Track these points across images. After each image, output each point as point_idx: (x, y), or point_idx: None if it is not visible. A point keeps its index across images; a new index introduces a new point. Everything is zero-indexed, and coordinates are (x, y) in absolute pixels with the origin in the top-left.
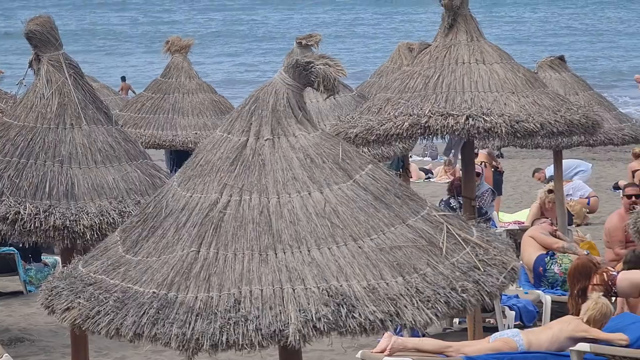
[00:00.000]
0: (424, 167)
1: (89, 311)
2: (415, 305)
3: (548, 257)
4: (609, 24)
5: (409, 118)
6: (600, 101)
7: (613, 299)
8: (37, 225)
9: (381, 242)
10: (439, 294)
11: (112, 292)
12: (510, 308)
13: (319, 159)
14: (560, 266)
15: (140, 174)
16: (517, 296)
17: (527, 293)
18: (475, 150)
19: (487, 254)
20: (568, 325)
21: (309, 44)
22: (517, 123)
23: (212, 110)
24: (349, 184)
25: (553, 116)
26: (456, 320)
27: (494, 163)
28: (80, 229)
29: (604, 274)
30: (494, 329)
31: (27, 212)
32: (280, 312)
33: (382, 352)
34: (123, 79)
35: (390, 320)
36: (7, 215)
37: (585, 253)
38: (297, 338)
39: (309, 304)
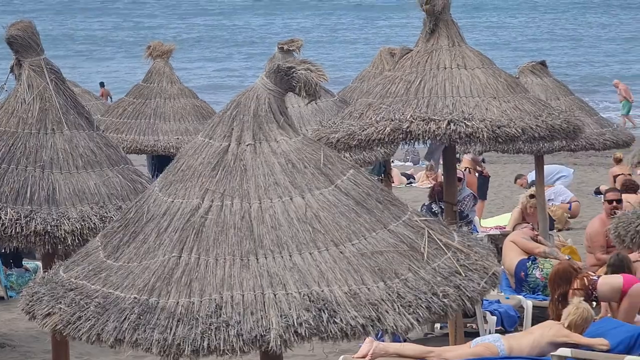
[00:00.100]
0: (406, 172)
1: (70, 317)
2: (397, 310)
3: (530, 262)
4: (589, 29)
5: (391, 123)
6: (581, 106)
7: (594, 303)
8: (18, 230)
9: (362, 247)
10: (421, 299)
11: (93, 297)
12: (492, 313)
13: (300, 164)
14: (542, 271)
15: (122, 179)
16: (498, 301)
17: (508, 298)
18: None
19: (469, 259)
20: (549, 330)
21: (291, 49)
22: (498, 128)
23: (194, 115)
24: (331, 189)
25: (534, 121)
26: (438, 325)
27: (478, 168)
28: (61, 234)
29: (585, 278)
30: (475, 334)
31: (8, 217)
32: (262, 318)
33: (363, 357)
34: (102, 84)
35: (372, 326)
36: None
37: (567, 258)
38: (279, 343)
39: (290, 309)
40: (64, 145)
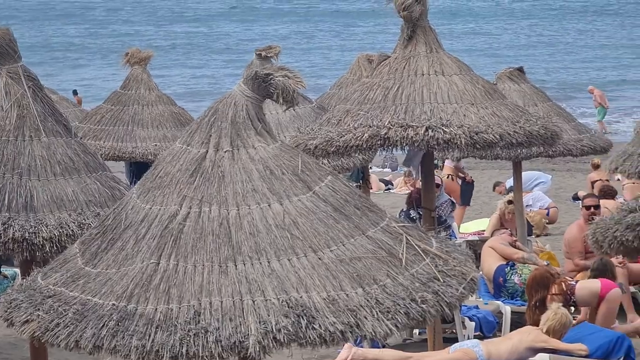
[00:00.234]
0: (384, 178)
1: (48, 323)
2: (375, 316)
3: (508, 268)
4: (567, 35)
5: (369, 129)
6: (559, 112)
7: (572, 308)
8: None
9: (341, 254)
10: (399, 305)
11: (72, 304)
12: (470, 319)
13: (278, 170)
14: (520, 277)
15: (100, 186)
16: (476, 307)
17: (486, 304)
18: (436, 162)
19: (447, 264)
20: (528, 335)
21: (269, 55)
22: (476, 134)
23: (172, 122)
24: (309, 195)
25: (512, 127)
26: (416, 331)
27: (460, 174)
28: (39, 241)
29: (563, 283)
30: (454, 340)
31: None
32: (240, 324)
33: None
34: (75, 92)
35: (351, 331)
36: None
37: (545, 263)
38: (257, 349)
39: (269, 316)
40: (42, 152)
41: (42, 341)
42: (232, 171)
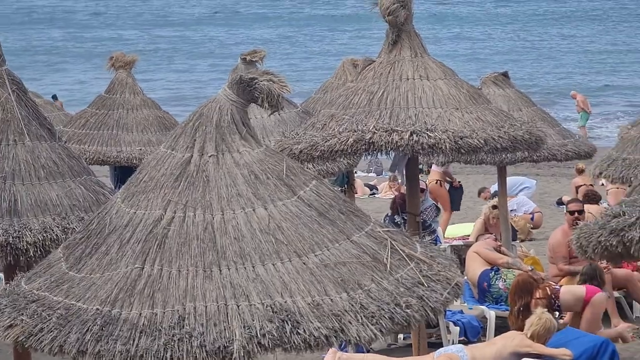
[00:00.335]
0: (369, 182)
1: (32, 328)
2: (360, 321)
3: (492, 273)
4: (551, 41)
5: (353, 134)
6: (543, 117)
7: (557, 313)
8: None
9: (325, 258)
10: (384, 310)
11: (56, 309)
12: (455, 324)
13: (263, 175)
14: (505, 282)
15: (84, 190)
16: (461, 312)
17: (471, 308)
18: (421, 167)
19: (431, 269)
20: (512, 340)
21: (254, 60)
22: (461, 139)
23: (157, 126)
24: (293, 200)
25: (497, 132)
26: (401, 335)
27: (447, 179)
28: (23, 246)
29: (547, 287)
30: (438, 345)
31: None
32: (225, 329)
33: None
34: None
35: (335, 336)
36: None
37: (530, 268)
38: (242, 354)
39: (253, 320)
40: (26, 156)
41: (26, 346)
42: (216, 176)
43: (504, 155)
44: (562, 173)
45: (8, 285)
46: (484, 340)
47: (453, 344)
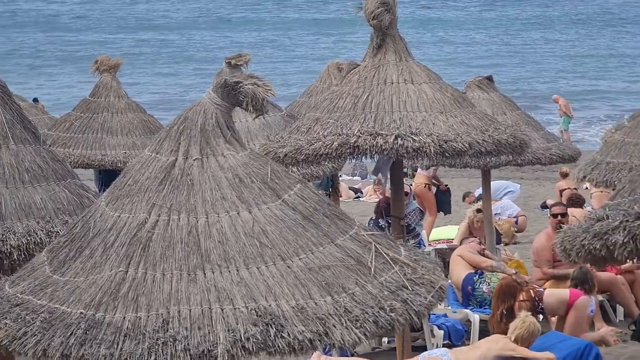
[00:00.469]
0: (354, 186)
1: (15, 332)
2: (344, 324)
3: (477, 276)
4: (534, 45)
5: (338, 137)
6: (527, 121)
7: (541, 316)
8: None
9: (310, 262)
10: (368, 314)
11: (39, 312)
12: (439, 327)
13: (247, 178)
14: (489, 285)
15: (68, 194)
16: (445, 315)
17: (455, 312)
18: (406, 170)
19: (415, 273)
20: (496, 344)
21: (238, 63)
22: (445, 143)
23: (142, 129)
24: (278, 203)
25: (481, 136)
26: (385, 339)
27: (434, 181)
28: (7, 249)
29: (531, 290)
30: (422, 348)
31: None
32: (209, 332)
33: None
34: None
35: (319, 340)
36: None
37: (514, 272)
38: (226, 358)
39: (237, 324)
40: (10, 159)
41: (9, 350)
42: (201, 179)
43: (488, 159)
44: (546, 177)
45: None
46: (468, 344)
47: (437, 347)
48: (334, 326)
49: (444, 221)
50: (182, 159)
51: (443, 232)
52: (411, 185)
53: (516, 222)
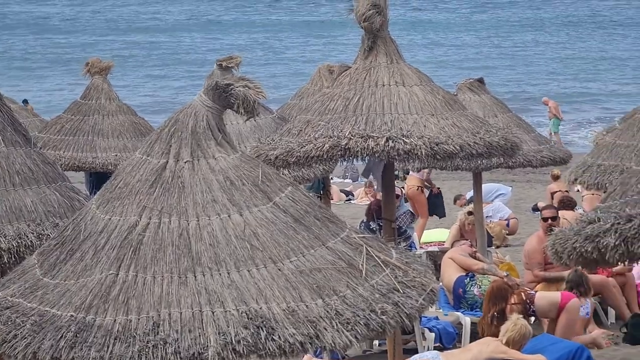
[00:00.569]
0: (345, 189)
1: (5, 335)
2: (335, 327)
3: (468, 279)
4: (525, 47)
5: (329, 140)
6: (519, 123)
7: (532, 319)
8: None
9: (301, 265)
10: (359, 316)
11: (29, 315)
12: (430, 330)
13: (238, 181)
14: (480, 288)
15: (59, 197)
16: (436, 318)
17: (446, 315)
18: (397, 173)
19: (407, 275)
20: (487, 346)
21: (229, 66)
22: (436, 145)
23: (133, 132)
24: (269, 206)
25: (472, 138)
26: (376, 342)
27: (427, 184)
28: None
29: (522, 293)
30: (414, 351)
31: None
32: (200, 335)
33: None
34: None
35: (310, 343)
36: None
37: (505, 275)
38: None
39: (228, 327)
40: (1, 162)
41: (0, 353)
42: (192, 182)
43: (479, 161)
44: (537, 179)
45: None
46: (460, 347)
47: (428, 350)
48: (325, 329)
49: (435, 224)
50: (173, 162)
51: (434, 234)
52: (402, 187)
53: (507, 225)
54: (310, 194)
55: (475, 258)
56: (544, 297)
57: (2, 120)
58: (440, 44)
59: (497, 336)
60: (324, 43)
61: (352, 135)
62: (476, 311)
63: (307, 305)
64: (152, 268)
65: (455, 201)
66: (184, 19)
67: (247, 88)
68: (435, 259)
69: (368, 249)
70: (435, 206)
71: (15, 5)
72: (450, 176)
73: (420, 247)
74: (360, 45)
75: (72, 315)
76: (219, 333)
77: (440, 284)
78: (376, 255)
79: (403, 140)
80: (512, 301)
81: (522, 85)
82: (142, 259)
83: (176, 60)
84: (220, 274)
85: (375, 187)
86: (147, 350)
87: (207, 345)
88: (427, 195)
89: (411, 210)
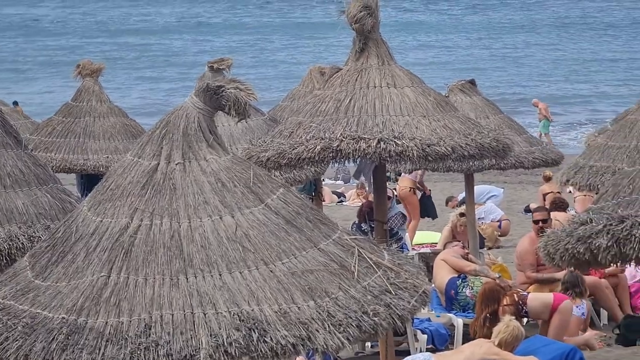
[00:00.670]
0: (337, 190)
1: None
2: (327, 329)
3: (460, 280)
4: (516, 49)
5: (321, 142)
6: (510, 125)
7: (525, 320)
8: None
9: (293, 266)
10: (351, 318)
11: (21, 317)
12: (422, 331)
13: (230, 183)
14: (472, 289)
15: (50, 199)
16: (429, 319)
17: (439, 316)
18: (389, 174)
19: (399, 277)
20: (480, 348)
21: (221, 67)
22: (428, 146)
23: (124, 134)
24: (260, 208)
25: (464, 139)
26: (368, 344)
27: (419, 186)
28: None
29: (515, 294)
30: (406, 353)
31: None
32: (192, 337)
33: None
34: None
35: (302, 345)
36: None
37: (497, 276)
38: None
39: (220, 329)
40: None
41: None
42: (183, 183)
43: (471, 163)
44: (529, 180)
45: None
46: (452, 348)
47: (421, 352)
48: (317, 331)
49: (427, 225)
50: (165, 164)
51: (426, 236)
52: (394, 189)
53: (499, 226)
54: (302, 196)
55: (467, 260)
56: (537, 298)
57: None
58: (432, 45)
59: (489, 338)
60: (315, 45)
61: (343, 137)
62: (468, 313)
63: (299, 307)
64: (144, 270)
65: (447, 202)
66: (174, 21)
67: (238, 90)
68: (427, 260)
69: (360, 250)
70: (428, 208)
71: (6, 7)
72: (442, 178)
73: (412, 248)
74: (351, 46)
75: (63, 318)
76: (210, 335)
77: (433, 285)
78: (368, 257)
79: (395, 141)
80: (505, 303)
81: (513, 86)
82: (134, 261)
83: (167, 62)
84: (212, 276)
85: (367, 188)
86: (138, 352)
87: (199, 347)
88: (420, 197)
89: (403, 212)
